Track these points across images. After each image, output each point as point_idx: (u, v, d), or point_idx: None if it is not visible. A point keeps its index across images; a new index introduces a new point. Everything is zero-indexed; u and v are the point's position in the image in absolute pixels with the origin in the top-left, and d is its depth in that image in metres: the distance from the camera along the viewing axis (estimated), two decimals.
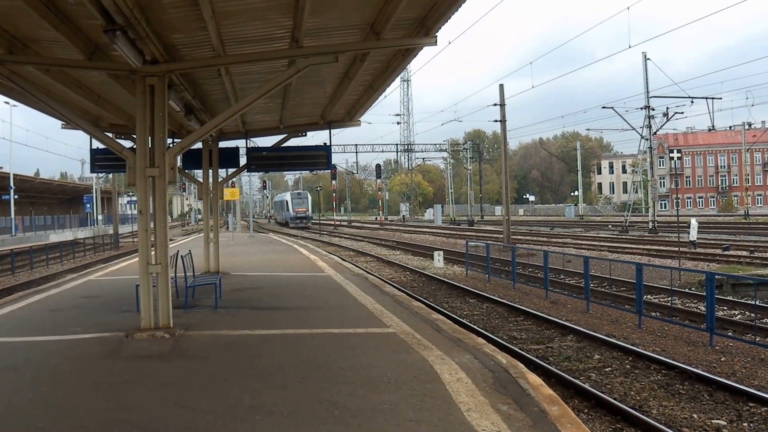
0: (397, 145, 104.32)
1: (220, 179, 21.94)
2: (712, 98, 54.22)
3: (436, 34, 11.22)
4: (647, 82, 53.58)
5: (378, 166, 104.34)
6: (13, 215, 58.16)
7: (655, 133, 56.49)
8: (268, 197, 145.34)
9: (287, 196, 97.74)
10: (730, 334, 14.41)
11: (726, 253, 32.26)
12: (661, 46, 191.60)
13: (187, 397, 7.63)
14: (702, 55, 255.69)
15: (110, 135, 16.61)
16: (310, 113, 19.75)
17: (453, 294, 22.28)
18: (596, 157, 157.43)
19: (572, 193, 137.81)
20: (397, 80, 79.09)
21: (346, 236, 63.02)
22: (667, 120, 55.14)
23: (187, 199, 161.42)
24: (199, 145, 19.84)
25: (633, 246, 38.39)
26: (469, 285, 23.47)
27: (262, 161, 20.35)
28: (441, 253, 32.66)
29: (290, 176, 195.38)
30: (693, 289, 20.81)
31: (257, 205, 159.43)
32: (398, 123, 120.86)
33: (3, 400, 7.66)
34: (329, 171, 33.48)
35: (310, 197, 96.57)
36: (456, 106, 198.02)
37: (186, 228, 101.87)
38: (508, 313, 18.17)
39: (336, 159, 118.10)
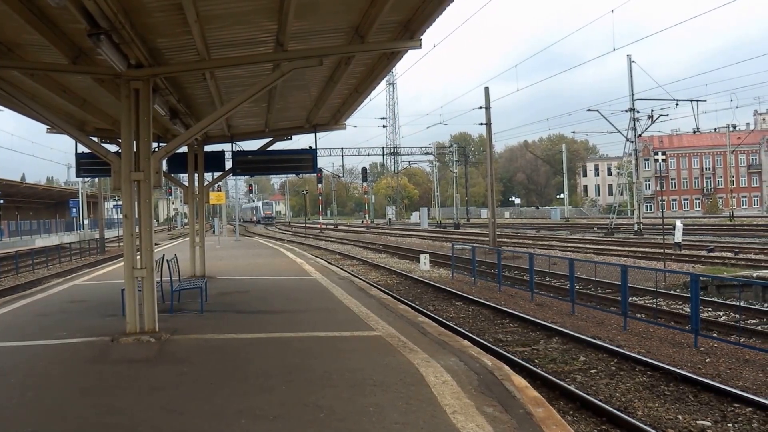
0: (383, 148, 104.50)
1: (205, 183, 21.89)
2: (697, 100, 54.68)
3: (421, 37, 11.26)
4: (632, 85, 53.86)
5: (364, 169, 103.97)
6: None
7: (640, 135, 56.76)
8: (254, 201, 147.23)
9: (260, 204, 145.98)
10: (715, 335, 14.47)
11: (711, 254, 32.43)
12: (649, 49, 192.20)
13: (174, 401, 7.63)
14: (691, 58, 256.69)
15: (95, 139, 16.53)
16: (296, 117, 19.74)
17: (439, 297, 22.30)
18: (582, 160, 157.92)
19: (558, 196, 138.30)
20: (383, 83, 79.08)
21: (332, 240, 62.95)
22: (652, 122, 55.49)
23: (173, 203, 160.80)
24: (184, 149, 19.81)
25: (618, 248, 38.52)
26: (455, 288, 23.49)
27: (248, 165, 20.33)
28: (427, 256, 32.70)
29: (276, 180, 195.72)
30: (678, 290, 20.87)
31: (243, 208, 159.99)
32: (384, 126, 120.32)
33: None
34: (315, 174, 33.52)
35: (274, 204, 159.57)
36: (442, 109, 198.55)
37: (172, 232, 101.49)
38: (493, 315, 18.20)
39: (322, 162, 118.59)
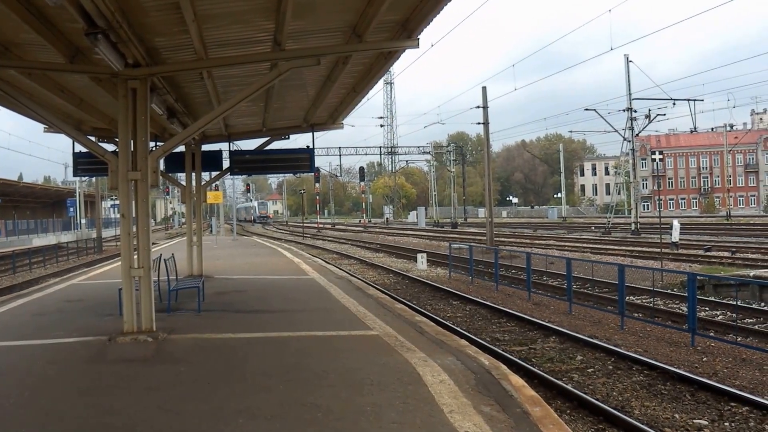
0: (380, 147, 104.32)
1: (203, 182, 21.86)
2: (694, 100, 54.60)
3: (418, 36, 11.26)
4: (629, 84, 53.90)
5: (361, 168, 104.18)
6: None
7: (637, 134, 56.83)
8: (252, 200, 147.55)
9: (256, 203, 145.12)
10: (711, 334, 14.49)
11: (708, 254, 32.45)
12: (647, 48, 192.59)
13: (172, 400, 7.62)
14: (689, 57, 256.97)
15: (93, 139, 16.53)
16: (293, 116, 19.73)
17: (436, 296, 22.29)
18: (579, 159, 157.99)
19: (555, 195, 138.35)
20: (381, 83, 79.11)
21: (329, 239, 62.88)
22: (650, 122, 55.48)
23: (170, 203, 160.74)
24: (182, 148, 19.76)
25: (616, 247, 38.54)
26: (452, 287, 23.48)
27: (245, 164, 20.31)
28: (424, 255, 32.67)
29: (274, 179, 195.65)
30: (675, 289, 20.89)
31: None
32: (381, 126, 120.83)
33: None
34: (312, 174, 33.65)
35: (269, 204, 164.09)
36: (439, 108, 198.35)
37: (169, 231, 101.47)
38: (491, 314, 18.20)
39: (319, 162, 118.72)
